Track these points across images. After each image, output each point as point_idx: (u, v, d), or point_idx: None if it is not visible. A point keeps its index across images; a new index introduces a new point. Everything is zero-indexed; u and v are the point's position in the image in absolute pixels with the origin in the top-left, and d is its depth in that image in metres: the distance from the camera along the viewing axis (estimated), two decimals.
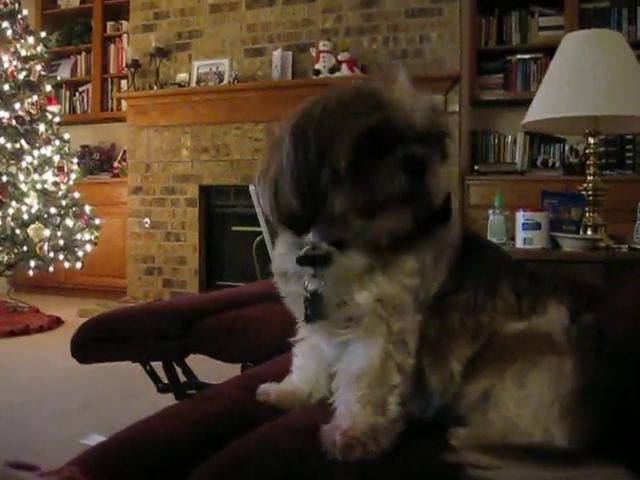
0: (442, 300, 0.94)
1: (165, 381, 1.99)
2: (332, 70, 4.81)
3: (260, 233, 2.82)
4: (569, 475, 0.79)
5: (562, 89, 2.52)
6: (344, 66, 4.78)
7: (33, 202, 4.60)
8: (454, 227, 0.99)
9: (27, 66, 4.82)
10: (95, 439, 2.23)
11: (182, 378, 2.05)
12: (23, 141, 4.66)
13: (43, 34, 5.15)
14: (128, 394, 2.92)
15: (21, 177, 4.59)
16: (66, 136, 5.04)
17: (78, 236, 4.84)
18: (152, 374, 1.98)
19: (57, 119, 5.03)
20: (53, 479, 0.82)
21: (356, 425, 0.88)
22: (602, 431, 0.85)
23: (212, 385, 1.70)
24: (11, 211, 4.46)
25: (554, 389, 0.87)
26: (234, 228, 5.34)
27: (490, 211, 2.53)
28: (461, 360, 0.92)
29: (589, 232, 2.52)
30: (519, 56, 5.04)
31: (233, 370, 1.81)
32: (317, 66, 4.87)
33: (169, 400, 1.88)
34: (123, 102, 5.96)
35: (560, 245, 2.38)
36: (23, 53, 4.82)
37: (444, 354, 0.93)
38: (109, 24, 6.40)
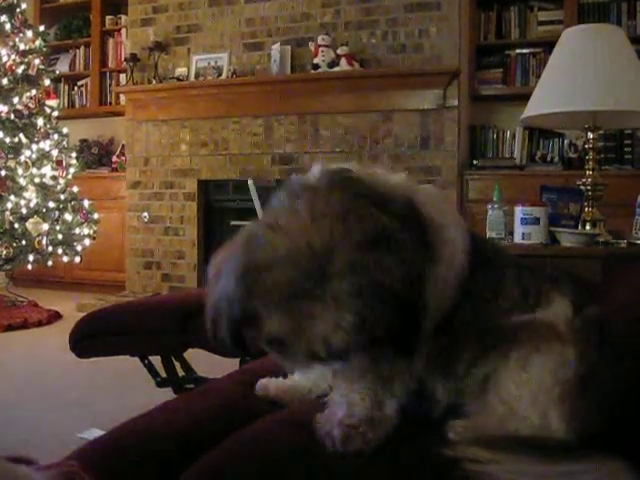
0: (449, 317, 0.92)
1: (164, 375, 2.00)
2: (331, 64, 4.79)
3: None
4: (568, 469, 0.79)
5: (561, 84, 2.51)
6: (343, 60, 4.77)
7: (32, 196, 4.59)
8: (458, 255, 0.92)
9: (26, 60, 4.79)
10: (94, 433, 2.23)
11: (180, 372, 2.06)
12: (22, 135, 4.65)
13: (42, 28, 5.13)
14: (126, 388, 2.93)
15: (20, 171, 4.57)
16: (65, 130, 5.03)
17: (77, 230, 4.84)
18: (151, 368, 1.98)
19: (56, 113, 5.01)
20: (52, 473, 0.82)
21: (353, 413, 0.88)
22: (600, 419, 0.85)
23: (211, 379, 1.70)
24: (10, 205, 4.45)
25: (556, 374, 0.87)
26: (233, 222, 5.33)
27: (489, 206, 2.53)
28: (467, 360, 0.92)
29: (588, 227, 2.52)
30: (518, 51, 5.03)
31: (232, 365, 1.81)
32: (316, 60, 4.85)
33: (167, 394, 1.88)
34: (122, 96, 5.94)
35: (559, 240, 2.38)
36: (22, 47, 4.79)
37: (450, 365, 0.93)
38: (108, 18, 6.38)
